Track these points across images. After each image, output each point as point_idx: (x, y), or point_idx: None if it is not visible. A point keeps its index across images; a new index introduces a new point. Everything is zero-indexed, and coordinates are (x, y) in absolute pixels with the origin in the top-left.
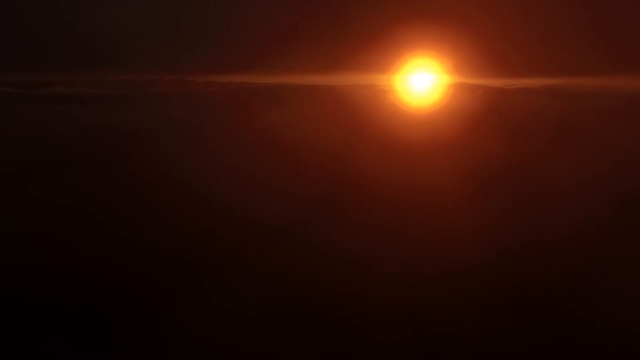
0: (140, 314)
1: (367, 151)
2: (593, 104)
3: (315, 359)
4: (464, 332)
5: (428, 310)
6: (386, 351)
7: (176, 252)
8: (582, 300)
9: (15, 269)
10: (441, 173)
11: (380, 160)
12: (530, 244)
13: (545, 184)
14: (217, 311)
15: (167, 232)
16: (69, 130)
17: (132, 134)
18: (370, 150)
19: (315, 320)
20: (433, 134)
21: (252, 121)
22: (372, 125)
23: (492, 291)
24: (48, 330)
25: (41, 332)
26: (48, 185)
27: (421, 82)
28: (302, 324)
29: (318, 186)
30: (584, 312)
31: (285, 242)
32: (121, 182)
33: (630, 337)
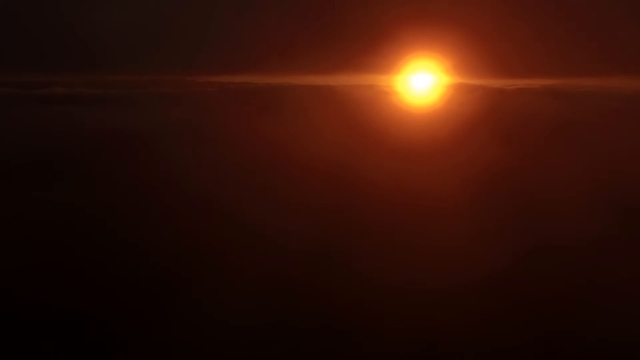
0: (137, 316)
1: (367, 153)
2: (593, 104)
3: None
4: (467, 348)
5: (432, 326)
6: None
7: (174, 256)
8: (588, 308)
9: (13, 270)
10: (441, 176)
11: (380, 163)
12: (532, 250)
13: (547, 185)
14: (214, 319)
15: (165, 235)
16: (69, 131)
17: (132, 135)
18: (370, 152)
19: (314, 330)
20: (433, 135)
21: (252, 122)
22: (372, 126)
23: (496, 305)
24: (43, 332)
25: (35, 334)
26: (48, 186)
27: (421, 82)
28: (301, 334)
29: (318, 188)
30: (590, 320)
31: (286, 248)
32: (121, 183)
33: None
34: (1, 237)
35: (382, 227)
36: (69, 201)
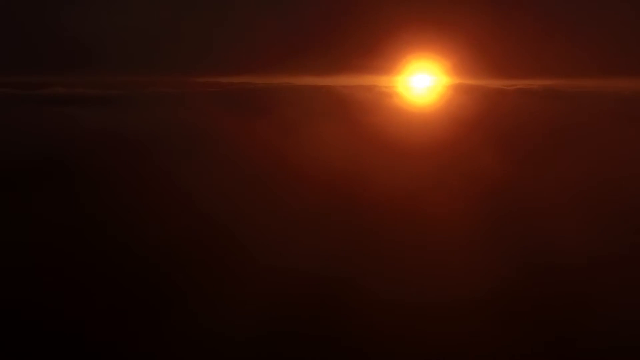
0: (133, 325)
1: (369, 155)
2: (594, 106)
3: None
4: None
5: (439, 339)
6: None
7: (172, 264)
8: (595, 321)
9: (6, 275)
10: (443, 181)
11: (383, 167)
12: (534, 257)
13: (548, 188)
14: (211, 331)
15: (164, 242)
16: (69, 132)
17: (133, 136)
18: (372, 155)
19: (318, 343)
20: (434, 138)
21: (253, 123)
22: (373, 127)
23: (504, 316)
24: (34, 336)
25: (26, 339)
26: (45, 189)
27: (421, 83)
28: (305, 346)
29: (320, 193)
30: (595, 327)
31: (286, 259)
32: (120, 186)
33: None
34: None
35: (382, 236)
36: (67, 204)
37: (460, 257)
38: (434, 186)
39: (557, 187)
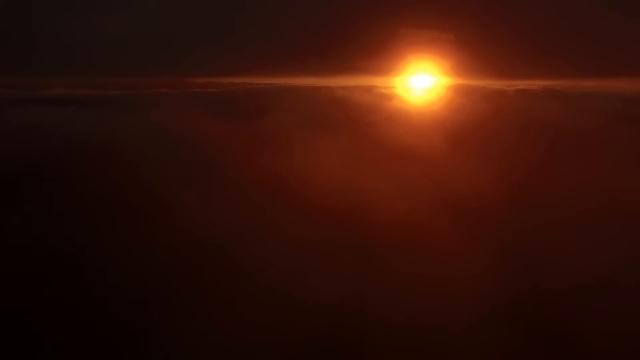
0: (128, 339)
1: (367, 159)
2: (593, 106)
3: None
4: None
5: None
6: None
7: (162, 278)
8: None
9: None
10: (443, 185)
11: (381, 169)
12: (537, 264)
13: (549, 190)
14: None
15: (160, 249)
16: (68, 133)
17: (130, 137)
18: (370, 158)
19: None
20: (434, 139)
21: (251, 125)
22: (372, 129)
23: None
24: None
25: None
26: (44, 190)
27: (420, 83)
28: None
29: (318, 197)
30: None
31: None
32: (116, 188)
33: None
34: None
35: (383, 254)
36: (65, 205)
37: (466, 272)
38: (435, 192)
39: (558, 188)
